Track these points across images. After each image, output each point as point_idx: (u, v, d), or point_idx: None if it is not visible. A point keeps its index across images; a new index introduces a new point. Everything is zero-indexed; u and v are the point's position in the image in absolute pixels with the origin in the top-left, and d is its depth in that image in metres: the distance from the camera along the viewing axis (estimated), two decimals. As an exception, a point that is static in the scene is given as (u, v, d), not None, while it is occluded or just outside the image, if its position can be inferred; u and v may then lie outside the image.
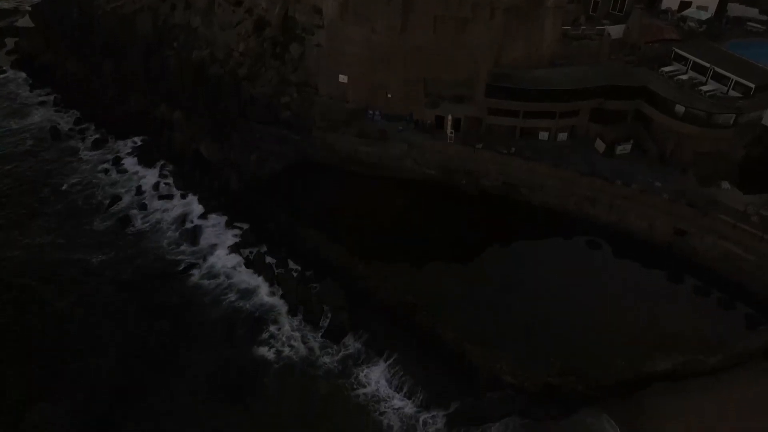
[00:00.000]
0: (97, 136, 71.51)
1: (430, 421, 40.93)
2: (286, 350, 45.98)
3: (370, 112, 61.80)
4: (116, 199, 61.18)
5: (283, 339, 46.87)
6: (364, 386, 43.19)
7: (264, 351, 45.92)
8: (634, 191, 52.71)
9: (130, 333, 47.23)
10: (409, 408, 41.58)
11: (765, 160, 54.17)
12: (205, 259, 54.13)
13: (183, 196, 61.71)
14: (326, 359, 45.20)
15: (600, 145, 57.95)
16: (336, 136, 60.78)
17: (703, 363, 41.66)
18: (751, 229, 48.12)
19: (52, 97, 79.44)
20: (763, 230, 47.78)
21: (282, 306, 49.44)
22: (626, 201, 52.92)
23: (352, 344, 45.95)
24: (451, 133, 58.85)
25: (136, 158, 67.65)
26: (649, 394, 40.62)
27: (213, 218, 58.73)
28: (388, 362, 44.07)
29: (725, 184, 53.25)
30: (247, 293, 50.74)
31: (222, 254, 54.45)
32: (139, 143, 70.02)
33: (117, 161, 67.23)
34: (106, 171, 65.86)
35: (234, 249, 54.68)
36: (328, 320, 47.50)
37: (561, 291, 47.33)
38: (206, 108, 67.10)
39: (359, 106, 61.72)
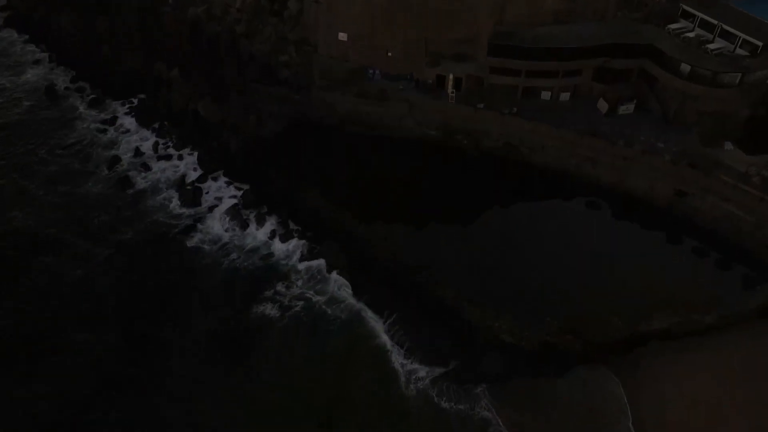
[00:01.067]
0: (93, 95, 70.60)
1: (419, 379, 41.64)
2: (293, 306, 46.54)
3: (371, 71, 60.80)
4: (115, 160, 60.82)
5: (288, 296, 47.42)
6: (365, 345, 43.82)
7: (268, 307, 46.50)
8: (635, 152, 52.34)
9: (131, 295, 47.67)
10: (408, 366, 42.29)
11: (770, 120, 53.63)
12: (205, 219, 54.24)
13: (182, 157, 61.39)
14: (330, 314, 45.88)
15: (603, 105, 57.23)
16: (336, 95, 59.99)
17: (698, 322, 42.24)
18: (752, 190, 48.02)
19: (47, 55, 78.08)
20: (763, 191, 47.64)
21: (283, 265, 49.80)
22: (628, 162, 52.61)
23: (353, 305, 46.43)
24: (453, 92, 58.09)
25: (134, 118, 67.01)
26: (646, 352, 41.28)
27: (213, 179, 58.58)
28: (387, 322, 44.66)
29: (728, 145, 52.81)
30: (249, 253, 51.02)
31: (222, 215, 54.51)
32: (137, 103, 69.22)
33: (114, 121, 66.59)
34: (104, 131, 65.29)
35: (234, 210, 54.70)
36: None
37: (560, 252, 47.60)
38: (204, 67, 65.99)
39: (359, 65, 60.67)
